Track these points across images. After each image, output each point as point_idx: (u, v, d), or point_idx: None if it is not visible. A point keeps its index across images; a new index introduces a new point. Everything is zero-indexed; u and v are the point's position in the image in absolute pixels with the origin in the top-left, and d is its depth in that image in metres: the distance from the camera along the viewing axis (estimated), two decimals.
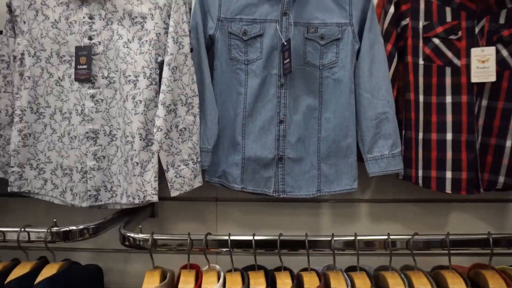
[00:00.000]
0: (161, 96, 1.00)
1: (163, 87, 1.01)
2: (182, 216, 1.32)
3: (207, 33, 1.12)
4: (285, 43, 1.09)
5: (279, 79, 1.12)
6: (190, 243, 0.94)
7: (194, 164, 1.06)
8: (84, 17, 1.06)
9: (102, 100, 1.08)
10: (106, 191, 1.10)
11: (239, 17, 1.11)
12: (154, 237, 0.95)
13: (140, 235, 0.98)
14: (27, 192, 1.11)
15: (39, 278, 0.93)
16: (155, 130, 1.00)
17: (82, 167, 1.08)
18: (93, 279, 1.10)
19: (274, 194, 1.13)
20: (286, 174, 1.13)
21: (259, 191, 1.13)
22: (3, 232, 0.98)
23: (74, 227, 0.99)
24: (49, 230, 0.96)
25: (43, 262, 1.02)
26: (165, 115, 1.00)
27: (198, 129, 1.07)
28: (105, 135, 1.08)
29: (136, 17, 1.04)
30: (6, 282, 0.92)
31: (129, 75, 1.03)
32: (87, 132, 1.07)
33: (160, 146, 1.00)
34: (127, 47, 1.04)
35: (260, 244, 0.94)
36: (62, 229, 0.98)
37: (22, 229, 0.96)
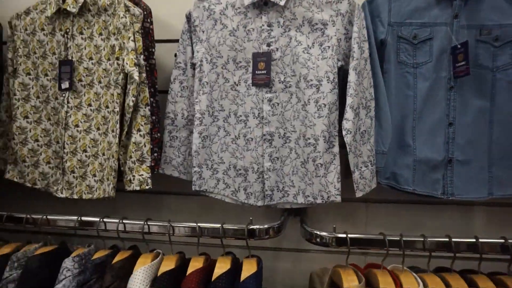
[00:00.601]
0: (349, 99, 1.04)
1: (350, 91, 1.04)
2: (331, 217, 1.35)
3: (378, 38, 1.14)
4: (459, 46, 1.09)
5: (449, 82, 1.12)
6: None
7: (372, 166, 1.09)
8: (262, 25, 1.12)
9: (278, 104, 1.13)
10: (278, 191, 1.15)
11: (409, 21, 1.13)
12: (349, 236, 0.98)
13: (327, 234, 1.02)
14: (204, 191, 1.18)
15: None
16: (344, 132, 1.04)
17: (258, 168, 1.14)
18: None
19: (443, 197, 1.14)
20: (454, 176, 1.13)
21: (427, 193, 1.14)
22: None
23: (259, 226, 1.04)
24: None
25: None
26: (353, 118, 1.04)
27: (374, 132, 1.10)
28: (279, 137, 1.13)
29: (316, 23, 1.08)
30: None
31: (311, 80, 1.08)
32: (264, 135, 1.13)
33: (349, 148, 1.04)
34: (308, 53, 1.09)
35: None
36: (249, 227, 1.03)
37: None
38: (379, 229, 1.32)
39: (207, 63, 1.17)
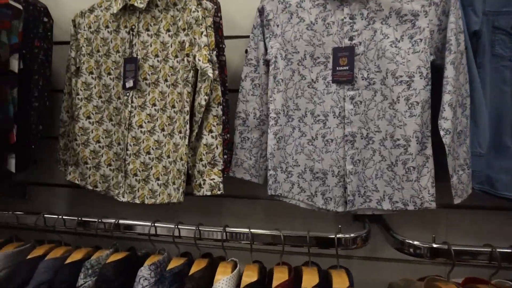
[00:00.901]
0: (447, 97, 0.94)
1: (448, 87, 0.94)
2: (409, 224, 1.25)
3: (471, 29, 1.04)
4: None
5: None
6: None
7: (468, 169, 0.99)
8: (344, 18, 1.04)
9: (361, 102, 1.04)
10: (359, 196, 1.05)
11: (506, 9, 1.03)
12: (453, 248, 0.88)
13: (422, 243, 0.92)
14: (279, 195, 1.10)
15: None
16: (442, 133, 0.94)
17: (339, 171, 1.05)
18: None
19: None
20: None
21: None
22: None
23: (346, 235, 0.95)
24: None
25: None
26: (452, 117, 0.94)
27: (469, 132, 1.00)
28: (361, 138, 1.05)
29: (405, 14, 0.99)
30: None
31: (401, 76, 0.99)
32: (346, 135, 1.04)
33: (448, 150, 0.94)
34: (396, 47, 1.00)
35: None
36: (339, 236, 0.94)
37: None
38: (461, 238, 1.22)
39: (281, 59, 1.09)
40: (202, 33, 1.03)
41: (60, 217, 1.08)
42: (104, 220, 1.05)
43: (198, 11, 1.04)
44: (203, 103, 1.02)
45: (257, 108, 1.13)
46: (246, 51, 1.14)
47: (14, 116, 1.07)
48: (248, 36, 1.26)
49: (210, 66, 1.01)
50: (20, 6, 1.13)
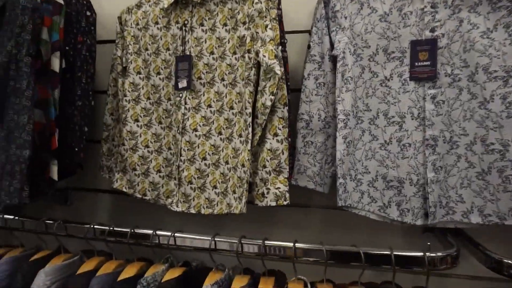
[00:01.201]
0: None
1: None
2: (492, 240, 1.12)
3: None
4: None
5: None
6: None
7: None
8: (424, 7, 0.92)
9: (444, 102, 0.92)
10: (440, 207, 0.94)
11: None
12: None
13: None
14: (348, 206, 0.99)
15: None
16: None
17: (418, 179, 0.94)
18: None
19: None
20: None
21: None
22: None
23: (436, 254, 0.84)
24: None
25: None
26: None
27: None
28: (444, 142, 0.93)
29: (500, 0, 0.87)
30: None
31: (495, 71, 0.86)
32: (426, 139, 0.93)
33: None
34: (488, 38, 0.87)
35: None
36: (429, 255, 0.82)
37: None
38: None
39: (350, 54, 0.99)
40: (266, 26, 0.93)
41: (112, 228, 1.00)
42: (159, 233, 0.96)
43: (261, 2, 0.94)
44: (268, 103, 0.92)
45: (322, 109, 1.03)
46: (309, 47, 1.04)
47: (56, 119, 0.99)
48: (304, 31, 1.16)
49: (277, 62, 0.91)
50: (61, 0, 1.06)
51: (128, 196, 1.16)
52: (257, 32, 0.95)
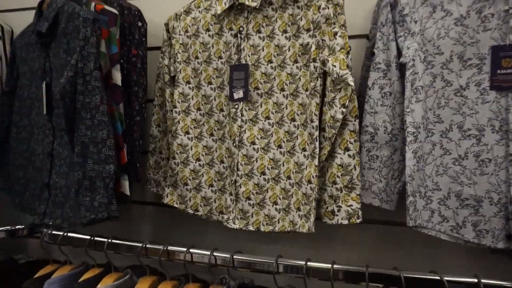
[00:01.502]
0: None
1: None
2: None
3: None
4: None
5: None
6: None
7: None
8: (510, 8, 0.85)
9: None
10: None
11: None
12: None
13: None
14: (418, 226, 0.92)
15: None
16: None
17: (499, 199, 0.86)
18: None
19: None
20: None
21: None
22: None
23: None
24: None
25: None
26: None
27: None
28: None
29: None
30: None
31: None
32: (510, 154, 0.85)
33: None
34: None
35: None
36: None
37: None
38: None
39: (420, 62, 0.92)
40: (335, 33, 0.87)
41: (165, 247, 0.95)
42: (216, 254, 0.91)
43: (328, 8, 0.88)
44: (339, 116, 0.86)
45: (388, 120, 0.96)
46: (373, 54, 0.98)
47: (123, 134, 0.95)
48: (360, 35, 1.10)
49: (349, 72, 0.85)
50: (115, 11, 1.02)
51: (171, 208, 1.11)
52: (323, 40, 0.89)
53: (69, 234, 1.05)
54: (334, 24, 0.88)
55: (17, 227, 1.19)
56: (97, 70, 0.91)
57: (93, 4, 1.03)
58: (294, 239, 1.18)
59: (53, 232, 1.07)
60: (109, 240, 0.99)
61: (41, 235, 1.07)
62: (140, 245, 0.97)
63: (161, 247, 0.96)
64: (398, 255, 1.11)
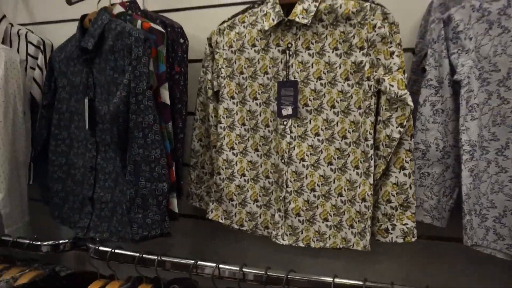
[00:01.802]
0: None
1: None
2: None
3: None
4: None
5: None
6: None
7: None
8: None
9: None
10: None
11: None
12: None
13: None
14: (474, 244, 0.92)
15: None
16: None
17: None
18: None
19: None
20: None
21: None
22: None
23: None
24: None
25: None
26: None
27: None
28: None
29: None
30: None
31: None
32: None
33: None
34: None
35: None
36: None
37: None
38: None
39: (475, 79, 0.91)
40: (392, 53, 0.86)
41: (217, 266, 0.95)
42: (270, 273, 0.91)
43: (384, 27, 0.88)
44: (396, 136, 0.86)
45: (440, 138, 0.95)
46: (423, 69, 0.97)
47: (171, 152, 0.96)
48: (405, 50, 1.09)
49: (408, 92, 0.84)
50: (162, 29, 1.02)
51: (209, 221, 1.11)
52: (378, 59, 0.89)
53: (117, 251, 1.06)
54: (391, 43, 0.87)
55: (60, 241, 1.19)
56: (149, 90, 0.91)
57: (139, 21, 1.03)
58: (335, 253, 1.18)
59: (100, 248, 1.07)
60: (159, 258, 1.00)
61: (88, 251, 1.08)
62: (192, 262, 0.97)
63: (213, 265, 0.96)
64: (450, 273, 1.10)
